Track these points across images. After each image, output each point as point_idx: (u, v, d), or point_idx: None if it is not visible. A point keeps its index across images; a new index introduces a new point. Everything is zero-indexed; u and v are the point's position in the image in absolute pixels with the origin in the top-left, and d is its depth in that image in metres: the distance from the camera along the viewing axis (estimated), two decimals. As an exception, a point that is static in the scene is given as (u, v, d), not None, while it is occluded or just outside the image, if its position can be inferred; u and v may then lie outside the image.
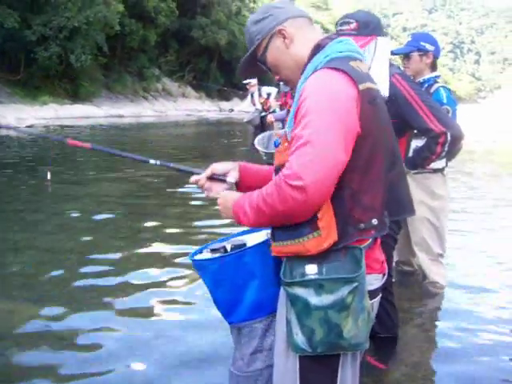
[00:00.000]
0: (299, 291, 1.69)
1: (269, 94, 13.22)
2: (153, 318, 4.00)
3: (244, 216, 1.77)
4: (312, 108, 1.64)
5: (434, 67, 4.26)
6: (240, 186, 2.14)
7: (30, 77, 34.70)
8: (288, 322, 1.75)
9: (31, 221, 6.84)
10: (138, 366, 3.25)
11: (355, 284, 1.66)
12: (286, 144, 1.77)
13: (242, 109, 13.74)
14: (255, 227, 1.91)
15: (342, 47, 1.80)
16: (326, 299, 1.66)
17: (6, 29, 30.94)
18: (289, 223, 1.69)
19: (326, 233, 1.67)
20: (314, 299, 1.67)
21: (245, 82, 13.55)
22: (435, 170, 4.30)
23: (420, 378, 3.19)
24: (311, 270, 1.70)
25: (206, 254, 2.14)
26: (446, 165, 4.39)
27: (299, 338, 1.71)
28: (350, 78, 1.69)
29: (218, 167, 2.15)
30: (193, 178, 2.17)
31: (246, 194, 1.83)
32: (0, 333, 3.71)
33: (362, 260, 1.71)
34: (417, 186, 4.29)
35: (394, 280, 3.93)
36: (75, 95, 37.17)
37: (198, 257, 2.16)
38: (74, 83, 37.33)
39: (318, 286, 1.67)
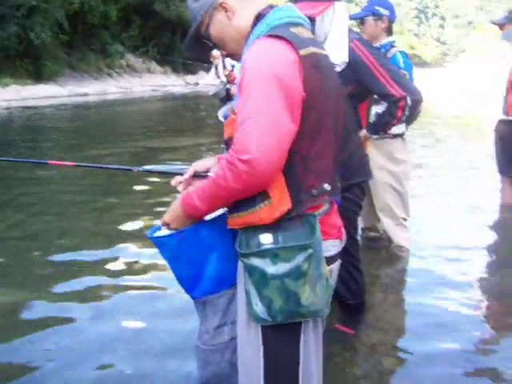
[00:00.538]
0: (255, 261, 1.68)
1: (233, 66, 13.04)
2: (122, 304, 3.91)
3: (197, 211, 1.78)
4: (253, 78, 1.63)
5: (389, 32, 4.27)
6: None
7: (-11, 58, 33.83)
8: (247, 293, 1.75)
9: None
10: (111, 358, 3.11)
11: (310, 251, 1.66)
12: (234, 116, 1.75)
13: (207, 82, 13.56)
14: (211, 213, 1.88)
15: (283, 14, 1.78)
16: (282, 268, 1.66)
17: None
18: (245, 198, 1.68)
19: (278, 200, 1.67)
20: (271, 268, 1.67)
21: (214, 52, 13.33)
22: (395, 136, 4.32)
23: (389, 341, 3.25)
24: (266, 239, 1.69)
25: (165, 231, 2.12)
26: (407, 129, 4.42)
27: (259, 308, 1.71)
28: (289, 43, 1.67)
29: (199, 165, 2.11)
30: (174, 182, 2.10)
31: (188, 192, 1.83)
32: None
33: (317, 226, 1.70)
34: (378, 151, 4.32)
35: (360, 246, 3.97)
36: (38, 75, 36.30)
37: (157, 234, 2.14)
38: (36, 63, 36.44)
39: (274, 255, 1.67)
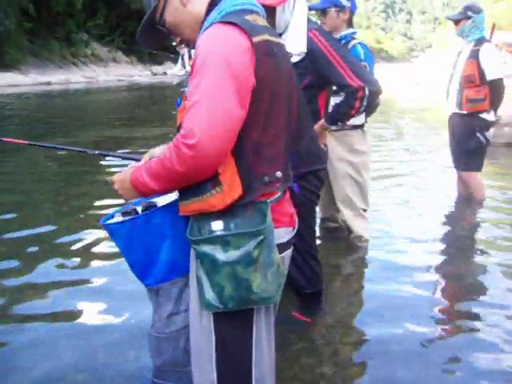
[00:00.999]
0: (206, 248, 1.68)
1: None
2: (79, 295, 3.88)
3: (145, 187, 1.74)
4: (204, 64, 1.62)
5: (350, 24, 4.29)
6: None
7: (-51, 45, 33.00)
8: (198, 280, 1.75)
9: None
10: (63, 350, 3.05)
11: (261, 237, 1.66)
12: (186, 102, 1.74)
13: (174, 72, 13.52)
14: (162, 194, 1.87)
15: (237, 1, 1.77)
16: (232, 255, 1.65)
17: None
18: (193, 183, 1.67)
19: (229, 187, 1.66)
20: (221, 255, 1.66)
21: (175, 43, 13.20)
22: (355, 127, 4.37)
23: (346, 329, 3.28)
24: (217, 226, 1.69)
25: (118, 218, 2.11)
26: (366, 121, 4.46)
27: (210, 295, 1.71)
28: (241, 30, 1.66)
29: (156, 151, 2.09)
30: (129, 167, 2.07)
31: (140, 165, 1.81)
32: None
33: (268, 214, 1.71)
34: (337, 143, 4.35)
35: (318, 235, 4.00)
36: (0, 63, 35.61)
37: (110, 221, 2.12)
38: (-3, 50, 35.72)
39: (225, 242, 1.66)
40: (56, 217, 5.64)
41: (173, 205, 1.94)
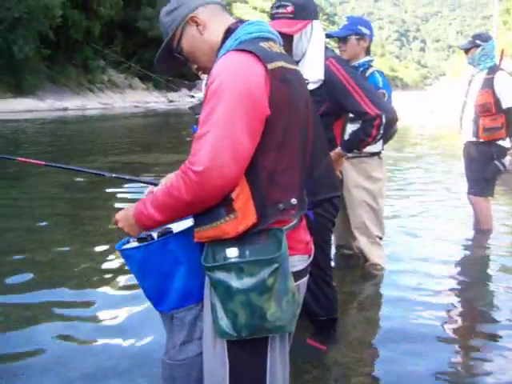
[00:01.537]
0: (221, 275, 1.66)
1: None
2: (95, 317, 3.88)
3: (149, 219, 1.75)
4: (216, 92, 1.62)
5: (368, 51, 4.30)
6: None
7: (-30, 71, 33.63)
8: (213, 307, 1.72)
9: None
10: (74, 374, 3.03)
11: (275, 265, 1.64)
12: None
13: (201, 97, 13.68)
14: (168, 223, 1.87)
15: (252, 29, 1.78)
16: (246, 282, 1.63)
17: None
18: (199, 211, 1.68)
19: (242, 214, 1.65)
20: (236, 282, 1.64)
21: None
22: (372, 154, 4.37)
23: (359, 359, 3.22)
24: (232, 253, 1.67)
25: (133, 244, 2.10)
26: (383, 148, 4.46)
27: (224, 322, 1.68)
28: (256, 57, 1.66)
29: (173, 177, 2.10)
30: (147, 192, 2.13)
31: (143, 198, 1.81)
32: None
33: (283, 241, 1.69)
34: (354, 170, 4.35)
35: (333, 263, 3.97)
36: (18, 88, 36.16)
37: (126, 246, 2.11)
38: (16, 76, 36.30)
39: (239, 269, 1.64)
40: (68, 241, 5.64)
41: (188, 231, 1.93)
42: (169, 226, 2.16)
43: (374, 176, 4.45)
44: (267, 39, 1.79)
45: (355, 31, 4.17)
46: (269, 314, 1.65)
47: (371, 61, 4.34)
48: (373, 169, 4.44)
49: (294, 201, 1.76)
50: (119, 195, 7.79)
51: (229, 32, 1.82)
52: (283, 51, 1.85)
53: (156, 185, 2.18)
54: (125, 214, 1.86)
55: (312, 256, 1.92)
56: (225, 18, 1.90)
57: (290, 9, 2.98)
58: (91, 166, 10.66)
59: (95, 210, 7.15)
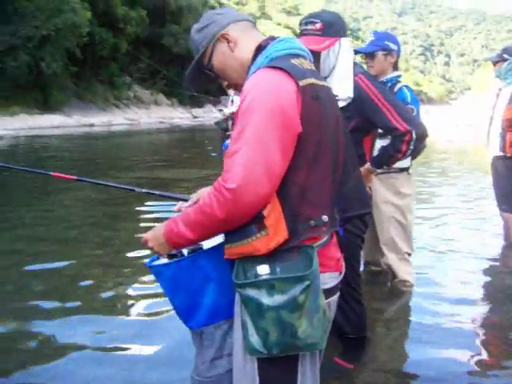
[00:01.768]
0: (251, 292, 1.65)
1: None
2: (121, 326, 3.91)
3: (180, 237, 1.74)
4: (250, 108, 1.62)
5: (395, 67, 4.27)
6: None
7: (0, 87, 34.25)
8: (243, 324, 1.72)
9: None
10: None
11: (307, 282, 1.62)
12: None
13: (232, 110, 13.87)
14: (199, 241, 1.85)
15: (283, 45, 1.79)
16: (277, 299, 1.62)
17: (-26, 39, 30.58)
18: (230, 228, 1.68)
19: (274, 231, 1.64)
20: (267, 300, 1.63)
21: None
22: (401, 170, 4.35)
23: (388, 379, 3.17)
24: (263, 270, 1.66)
25: (163, 260, 2.10)
26: (411, 164, 4.43)
27: (254, 339, 1.67)
28: (288, 74, 1.66)
29: (205, 192, 2.09)
30: (177, 207, 2.18)
31: (173, 217, 1.80)
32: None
33: (314, 258, 1.67)
34: (382, 185, 4.32)
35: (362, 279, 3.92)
36: (45, 105, 36.78)
37: (156, 263, 2.11)
38: (44, 93, 36.95)
39: (270, 286, 1.63)
40: (98, 256, 5.68)
41: (218, 248, 1.92)
42: (201, 243, 2.16)
43: (402, 192, 4.42)
44: (298, 56, 1.79)
45: (382, 47, 4.13)
46: (300, 332, 1.64)
47: (399, 76, 4.32)
48: (401, 184, 4.41)
49: (325, 218, 1.75)
50: (146, 210, 7.83)
51: (259, 49, 1.82)
52: (314, 68, 1.85)
53: (186, 200, 2.19)
54: (154, 233, 1.85)
55: (343, 273, 1.91)
56: (255, 35, 1.90)
57: (318, 25, 2.99)
58: (118, 181, 10.73)
59: (123, 223, 7.19)
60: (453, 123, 30.64)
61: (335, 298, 1.90)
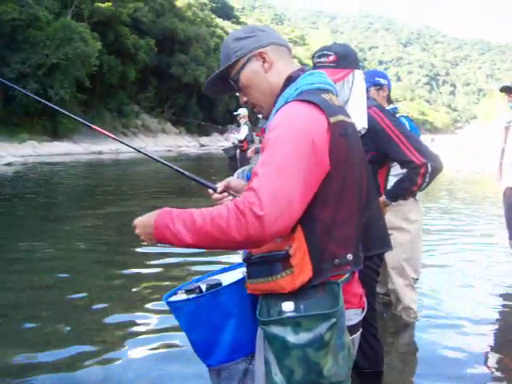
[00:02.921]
0: (276, 330, 1.62)
1: (246, 136, 13.72)
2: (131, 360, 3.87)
3: (174, 237, 1.64)
4: (279, 140, 1.60)
5: (389, 100, 4.41)
6: None
7: (9, 114, 34.61)
8: (266, 362, 1.68)
9: (5, 259, 6.68)
10: None
11: (333, 320, 1.60)
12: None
13: (242, 137, 14.07)
14: (191, 248, 1.70)
15: (314, 79, 1.77)
16: (303, 337, 1.59)
17: (-16, 67, 30.98)
18: (239, 250, 1.65)
19: (299, 270, 1.62)
20: (292, 338, 1.60)
21: (236, 113, 14.23)
22: None
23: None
24: (288, 307, 1.64)
25: (181, 296, 2.06)
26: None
27: (278, 378, 1.63)
28: (320, 110, 1.65)
29: (232, 183, 2.19)
30: (215, 197, 2.22)
31: (170, 211, 1.71)
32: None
33: (340, 295, 1.65)
34: (390, 211, 4.29)
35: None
36: (54, 132, 37.09)
37: (173, 298, 2.07)
38: (53, 120, 37.29)
39: (296, 323, 1.61)
40: (107, 288, 5.66)
41: (239, 283, 1.90)
42: (216, 277, 2.13)
43: (410, 217, 4.44)
44: (327, 91, 1.77)
45: (373, 82, 4.28)
46: (325, 370, 1.60)
47: (396, 108, 4.44)
48: (409, 210, 4.43)
49: (349, 256, 1.73)
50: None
51: (289, 80, 1.80)
52: (341, 104, 1.84)
53: (215, 190, 2.22)
54: (144, 221, 1.75)
55: (366, 309, 1.88)
56: (290, 63, 1.87)
57: (332, 58, 3.01)
58: (125, 210, 10.77)
59: (133, 253, 7.16)
60: (459, 152, 30.59)
61: (358, 334, 1.88)
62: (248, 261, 1.77)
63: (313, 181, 1.61)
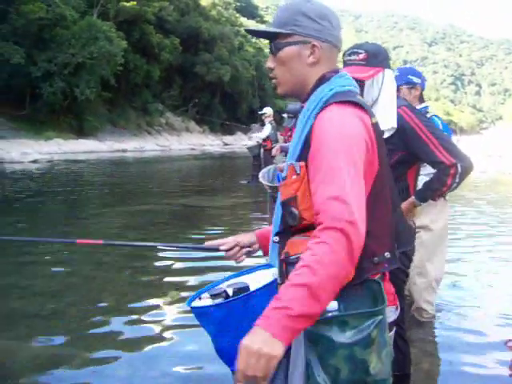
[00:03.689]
0: (322, 330, 1.58)
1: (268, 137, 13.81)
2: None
3: (305, 319, 1.43)
4: (336, 145, 1.58)
5: (421, 99, 4.35)
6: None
7: (35, 112, 35.02)
8: (308, 364, 1.64)
9: (31, 256, 6.75)
10: None
11: (380, 317, 1.59)
12: (295, 177, 1.71)
13: (261, 136, 14.19)
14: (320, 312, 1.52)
15: (345, 81, 1.77)
16: (351, 336, 1.57)
17: (12, 65, 31.40)
18: (351, 272, 1.53)
19: None
20: (338, 337, 1.57)
21: (261, 112, 14.33)
22: None
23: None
24: (332, 306, 1.62)
25: (207, 301, 1.96)
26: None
27: (321, 378, 1.59)
28: (364, 110, 1.66)
29: (241, 240, 2.12)
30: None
31: (266, 313, 1.47)
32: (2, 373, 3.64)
33: (383, 293, 1.65)
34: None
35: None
36: (80, 130, 37.46)
37: (197, 303, 1.99)
38: (78, 118, 37.68)
39: (342, 322, 1.58)
40: (132, 286, 5.69)
41: (271, 285, 1.87)
42: (240, 280, 2.06)
43: (437, 217, 4.38)
44: (357, 93, 1.77)
45: (406, 81, 4.23)
46: (371, 368, 1.58)
47: (427, 107, 4.38)
48: (436, 210, 4.36)
49: (387, 254, 1.73)
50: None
51: (323, 79, 1.78)
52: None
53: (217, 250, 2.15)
54: (249, 339, 1.44)
55: (399, 308, 1.88)
56: (332, 66, 1.83)
57: (362, 56, 2.99)
58: (148, 209, 10.84)
59: (149, 260, 7.19)
60: (484, 153, 30.30)
61: (393, 332, 1.88)
62: (287, 260, 1.76)
63: (366, 182, 1.62)
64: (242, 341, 1.45)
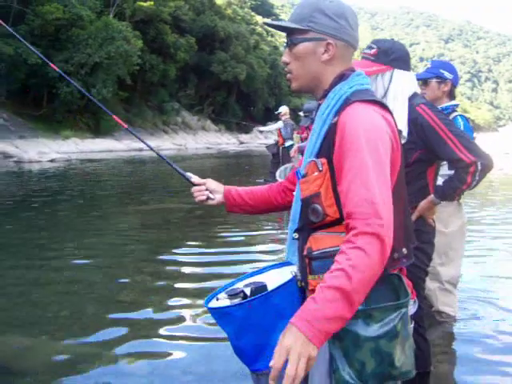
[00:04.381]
0: (347, 324, 1.56)
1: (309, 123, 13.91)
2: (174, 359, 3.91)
3: (342, 319, 1.48)
4: (361, 146, 1.59)
5: (451, 96, 4.21)
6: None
7: (53, 112, 35.24)
8: (332, 359, 1.65)
9: (50, 255, 6.83)
10: None
11: (404, 310, 1.63)
12: (317, 173, 1.72)
13: (270, 128, 14.32)
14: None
15: (363, 80, 1.78)
16: (376, 329, 1.59)
17: (30, 65, 31.59)
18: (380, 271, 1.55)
19: None
20: (364, 330, 1.59)
21: (277, 112, 14.40)
22: None
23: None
24: None
25: (225, 301, 1.95)
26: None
27: (346, 373, 1.60)
28: (385, 108, 1.69)
29: (211, 185, 2.38)
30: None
31: (304, 309, 1.54)
32: (18, 369, 3.69)
33: (405, 286, 1.69)
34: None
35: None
36: (96, 129, 37.63)
37: (215, 304, 1.97)
38: (95, 117, 37.82)
39: (367, 316, 1.60)
40: (150, 285, 5.73)
41: (291, 283, 1.87)
42: (256, 279, 2.05)
43: (452, 220, 4.31)
44: (373, 92, 1.80)
45: (436, 74, 4.11)
46: (396, 360, 1.60)
47: (456, 105, 4.25)
48: (451, 213, 4.30)
49: (404, 250, 1.76)
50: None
51: (342, 77, 1.79)
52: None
53: (189, 180, 2.46)
54: (286, 339, 1.51)
55: (416, 302, 1.89)
56: (347, 65, 1.83)
57: (373, 51, 3.00)
58: (164, 207, 10.87)
59: (174, 250, 7.23)
60: (502, 151, 29.99)
61: (412, 325, 1.87)
62: (310, 256, 1.76)
63: (391, 179, 1.64)
64: (282, 340, 1.51)
